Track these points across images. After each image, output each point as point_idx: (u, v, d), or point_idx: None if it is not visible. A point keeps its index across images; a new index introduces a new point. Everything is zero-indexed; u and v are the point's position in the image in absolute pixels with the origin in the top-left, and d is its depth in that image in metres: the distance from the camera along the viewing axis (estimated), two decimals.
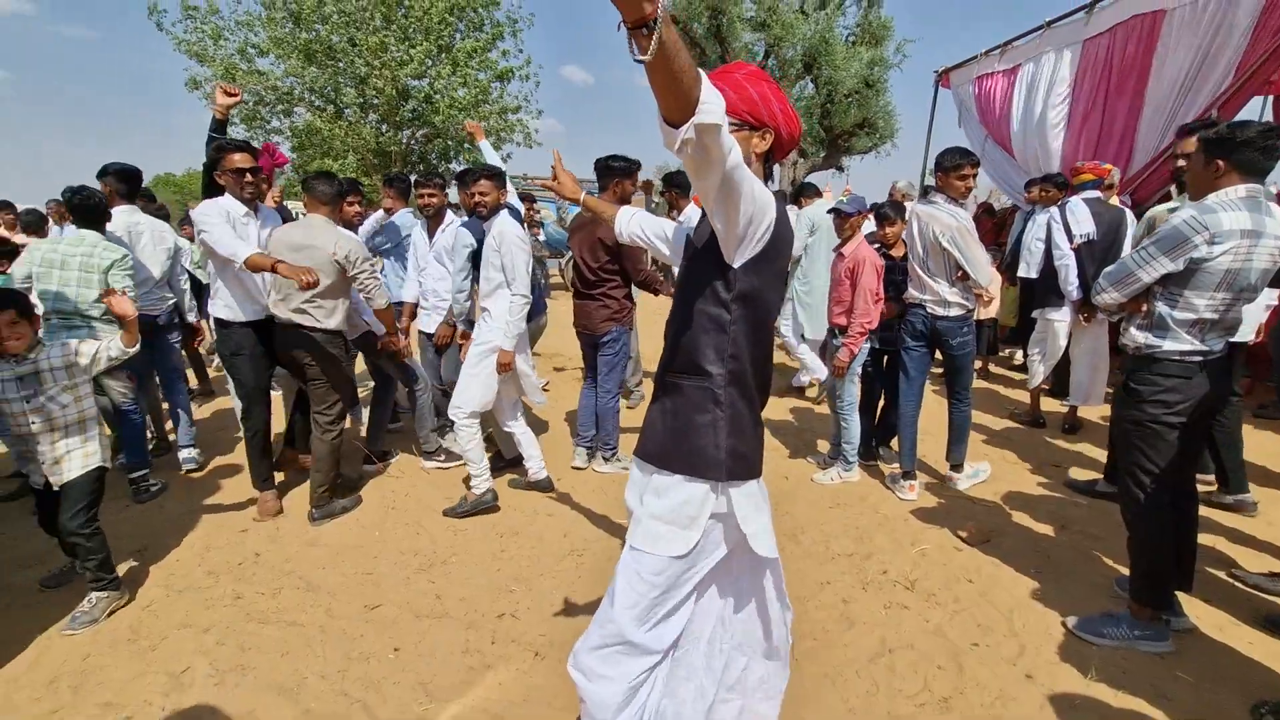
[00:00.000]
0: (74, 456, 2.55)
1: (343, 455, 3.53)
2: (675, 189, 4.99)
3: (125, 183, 3.76)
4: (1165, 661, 2.29)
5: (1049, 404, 5.16)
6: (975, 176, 3.44)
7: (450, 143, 14.79)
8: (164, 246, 3.91)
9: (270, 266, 2.87)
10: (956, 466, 3.80)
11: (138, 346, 2.61)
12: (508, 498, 3.57)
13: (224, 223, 3.03)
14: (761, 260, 1.35)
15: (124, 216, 3.73)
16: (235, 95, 3.34)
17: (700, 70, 1.01)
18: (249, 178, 3.14)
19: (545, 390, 4.68)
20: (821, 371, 5.54)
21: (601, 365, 3.91)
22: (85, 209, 3.39)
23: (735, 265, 1.34)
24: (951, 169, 3.36)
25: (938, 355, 3.69)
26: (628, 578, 1.47)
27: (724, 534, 1.50)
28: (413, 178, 4.81)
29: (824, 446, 4.30)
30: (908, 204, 5.13)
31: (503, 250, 3.21)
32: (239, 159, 3.10)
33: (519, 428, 3.64)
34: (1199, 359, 2.24)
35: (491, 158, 4.21)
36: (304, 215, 3.39)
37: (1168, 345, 2.26)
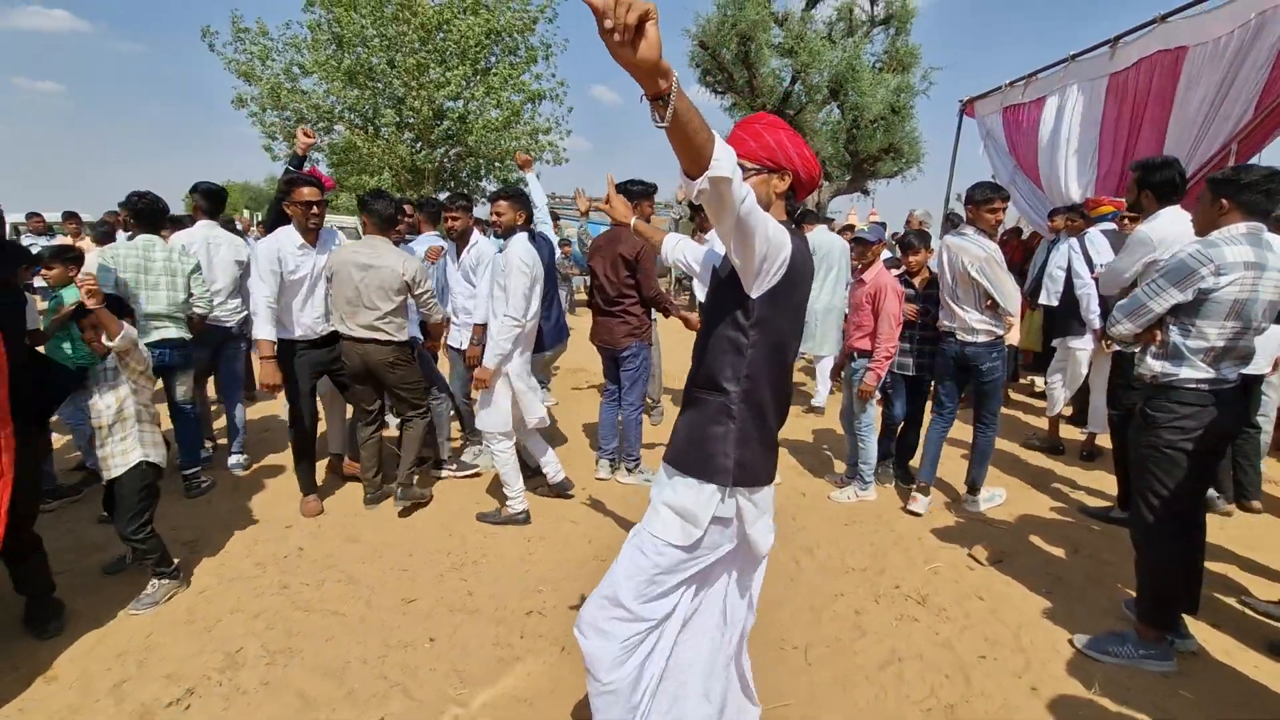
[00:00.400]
0: (115, 455, 2.67)
1: (384, 459, 3.76)
2: (702, 212, 5.19)
3: (210, 200, 4.08)
4: (1169, 681, 2.36)
5: (1069, 431, 5.21)
6: (1005, 210, 3.57)
7: (482, 161, 15.23)
8: (238, 259, 4.17)
9: (261, 358, 3.36)
10: (973, 489, 3.88)
11: (121, 336, 2.57)
12: (533, 505, 3.72)
13: (269, 282, 3.32)
14: (778, 291, 1.49)
15: (204, 230, 4.03)
16: (312, 138, 3.76)
17: (714, 131, 1.17)
18: (315, 209, 3.40)
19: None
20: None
21: (624, 380, 4.08)
22: (150, 213, 3.63)
23: (753, 295, 1.49)
24: (982, 202, 3.50)
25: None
26: (631, 553, 1.62)
27: (726, 536, 1.62)
28: (443, 196, 5.07)
29: (841, 467, 4.40)
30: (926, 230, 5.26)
31: (506, 271, 3.39)
32: (307, 192, 3.37)
33: (529, 440, 3.80)
34: (1214, 387, 2.34)
35: (536, 190, 4.40)
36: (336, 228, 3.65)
37: (1184, 374, 2.35)
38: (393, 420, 4.50)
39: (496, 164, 15.09)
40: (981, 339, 3.57)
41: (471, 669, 2.38)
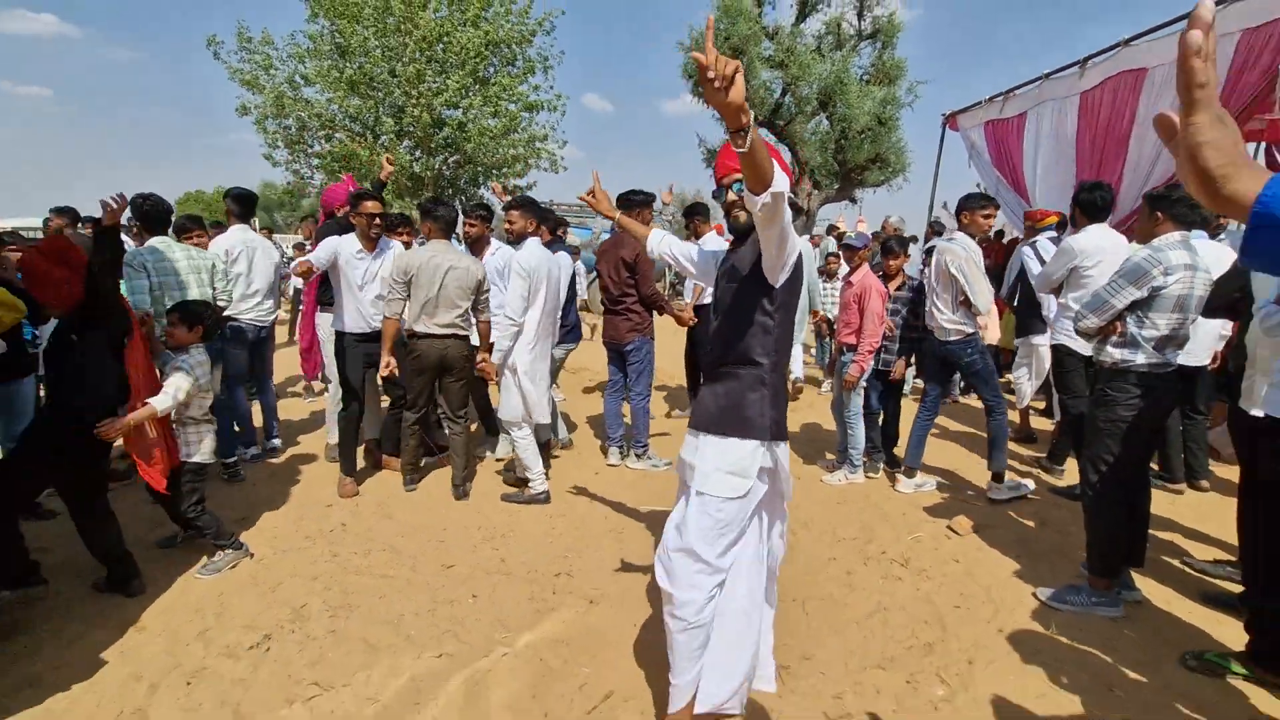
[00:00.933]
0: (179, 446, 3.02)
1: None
2: (697, 217, 5.53)
3: (241, 205, 4.35)
4: (1116, 623, 2.74)
5: (1039, 422, 5.62)
6: (994, 216, 4.01)
7: (480, 169, 15.56)
8: (271, 261, 4.42)
9: (301, 271, 3.78)
10: (998, 477, 4.05)
11: (158, 412, 2.80)
12: (552, 487, 4.03)
13: (320, 255, 3.79)
14: (792, 280, 1.88)
15: (238, 234, 4.28)
16: (393, 166, 4.29)
17: (774, 159, 1.53)
18: (377, 220, 3.85)
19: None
20: None
21: (631, 372, 4.44)
22: (156, 214, 3.83)
23: (776, 285, 1.86)
24: (977, 208, 3.94)
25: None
26: (697, 517, 1.92)
27: (763, 481, 1.97)
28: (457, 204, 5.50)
29: (831, 456, 4.76)
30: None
31: (508, 274, 3.70)
32: (371, 205, 3.84)
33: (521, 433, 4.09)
34: (1161, 370, 2.74)
35: None
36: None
37: (1139, 359, 2.75)
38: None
39: (494, 171, 15.43)
40: (953, 338, 3.95)
41: (512, 618, 2.71)
